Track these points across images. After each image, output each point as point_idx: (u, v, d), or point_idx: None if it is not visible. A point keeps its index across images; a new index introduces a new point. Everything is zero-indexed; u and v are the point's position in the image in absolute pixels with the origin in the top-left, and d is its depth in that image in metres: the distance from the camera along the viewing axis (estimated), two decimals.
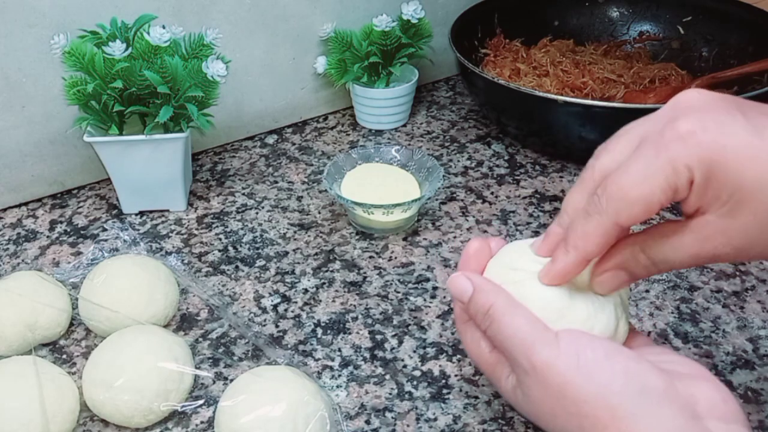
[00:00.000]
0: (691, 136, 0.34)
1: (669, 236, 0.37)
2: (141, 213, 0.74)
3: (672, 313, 0.60)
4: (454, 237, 0.69)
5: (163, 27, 0.64)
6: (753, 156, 0.34)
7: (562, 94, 0.79)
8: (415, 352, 0.57)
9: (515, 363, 0.39)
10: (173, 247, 0.69)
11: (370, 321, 0.60)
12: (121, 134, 0.68)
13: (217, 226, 0.72)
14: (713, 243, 0.36)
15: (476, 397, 0.53)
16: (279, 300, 0.63)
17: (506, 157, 0.81)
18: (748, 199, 0.34)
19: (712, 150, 0.34)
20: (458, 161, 0.81)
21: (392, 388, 0.54)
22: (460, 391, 0.54)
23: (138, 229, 0.71)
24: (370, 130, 0.87)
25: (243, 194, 0.76)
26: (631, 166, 0.36)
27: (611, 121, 0.77)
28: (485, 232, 0.70)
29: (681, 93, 0.37)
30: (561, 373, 0.36)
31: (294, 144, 0.85)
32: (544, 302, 0.40)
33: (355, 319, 0.60)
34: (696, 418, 0.35)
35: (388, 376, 0.55)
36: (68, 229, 0.72)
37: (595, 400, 0.35)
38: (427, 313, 0.61)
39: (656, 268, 0.38)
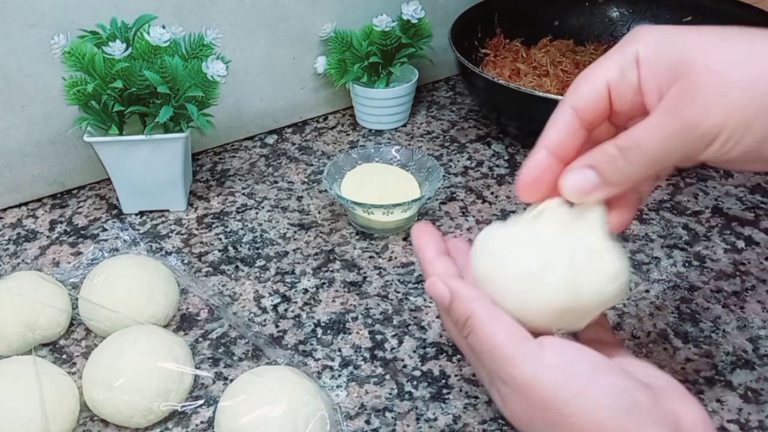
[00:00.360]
0: (645, 31, 0.36)
1: (636, 120, 0.36)
2: (141, 213, 0.74)
3: (672, 313, 0.60)
4: (454, 237, 0.69)
5: (163, 27, 0.64)
6: (700, 36, 0.35)
7: (562, 94, 0.79)
8: (415, 352, 0.57)
9: (494, 374, 0.38)
10: (173, 247, 0.69)
11: (370, 321, 0.60)
12: (121, 134, 0.68)
13: (217, 226, 0.72)
14: (679, 110, 0.34)
15: (476, 397, 0.53)
16: (279, 300, 0.63)
17: (506, 157, 0.81)
18: (701, 59, 0.34)
19: (659, 32, 0.36)
20: (458, 161, 0.81)
21: (392, 388, 0.54)
22: (460, 391, 0.54)
23: (138, 229, 0.71)
24: (370, 130, 0.87)
25: (243, 194, 0.76)
26: (596, 62, 0.38)
27: None
28: None
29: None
30: (546, 388, 0.35)
31: (294, 144, 0.85)
32: (532, 251, 0.38)
33: (355, 319, 0.60)
34: None
35: (388, 376, 0.55)
36: (68, 229, 0.72)
37: (583, 414, 0.34)
38: (427, 313, 0.61)
39: (626, 161, 0.36)
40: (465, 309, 0.38)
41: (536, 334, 0.37)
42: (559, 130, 0.38)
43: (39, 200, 0.76)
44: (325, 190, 0.76)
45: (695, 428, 0.35)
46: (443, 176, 0.71)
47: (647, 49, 0.36)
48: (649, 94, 0.36)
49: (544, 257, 0.38)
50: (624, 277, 0.38)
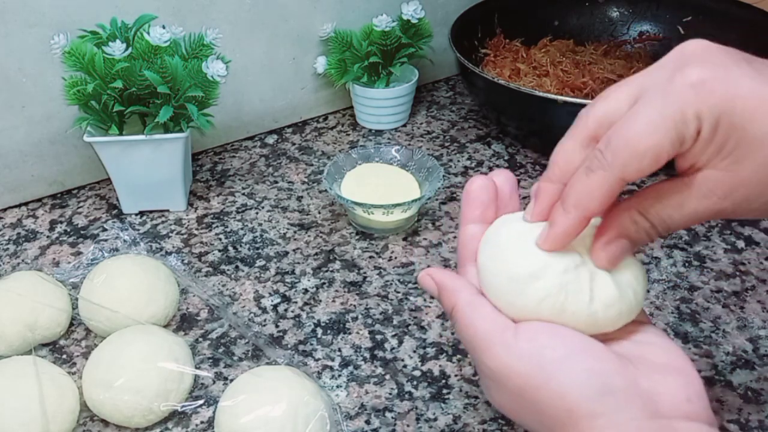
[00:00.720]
0: (702, 84, 0.33)
1: (668, 195, 0.35)
2: (141, 213, 0.74)
3: (672, 313, 0.60)
4: (454, 237, 0.69)
5: (163, 27, 0.64)
6: (760, 105, 0.32)
7: (562, 94, 0.79)
8: (415, 352, 0.57)
9: (476, 363, 0.39)
10: (173, 247, 0.69)
11: (370, 321, 0.60)
12: (121, 134, 0.68)
13: (217, 226, 0.72)
14: (714, 198, 0.34)
15: (476, 397, 0.53)
16: (279, 300, 0.63)
17: (506, 157, 0.81)
18: (753, 149, 0.33)
19: (722, 99, 0.32)
20: (458, 161, 0.81)
21: (392, 388, 0.54)
22: (460, 391, 0.54)
23: (138, 229, 0.71)
24: (370, 130, 0.87)
25: (243, 194, 0.76)
26: (639, 115, 0.33)
27: None
28: None
29: (685, 43, 0.35)
30: (519, 376, 0.35)
31: (294, 144, 0.85)
32: (522, 272, 0.37)
33: (355, 319, 0.60)
34: (657, 417, 0.34)
35: (388, 376, 0.55)
36: (68, 229, 0.72)
37: (552, 401, 0.35)
38: (427, 313, 0.61)
39: (656, 231, 0.36)
40: (449, 300, 0.39)
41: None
42: (604, 203, 0.35)
43: (39, 200, 0.76)
44: (325, 190, 0.76)
45: (677, 406, 0.35)
46: (443, 176, 0.70)
47: (709, 126, 0.33)
48: (687, 159, 0.34)
49: (543, 262, 0.37)
50: (619, 306, 0.37)
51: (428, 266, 0.65)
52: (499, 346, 0.36)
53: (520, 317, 0.38)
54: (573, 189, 0.36)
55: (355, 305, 0.62)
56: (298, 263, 0.67)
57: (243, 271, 0.66)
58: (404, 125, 0.88)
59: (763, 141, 0.33)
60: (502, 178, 0.43)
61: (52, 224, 0.73)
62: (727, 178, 0.34)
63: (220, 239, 0.70)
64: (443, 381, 0.54)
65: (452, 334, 0.58)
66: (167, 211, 0.74)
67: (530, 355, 0.35)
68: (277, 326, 0.60)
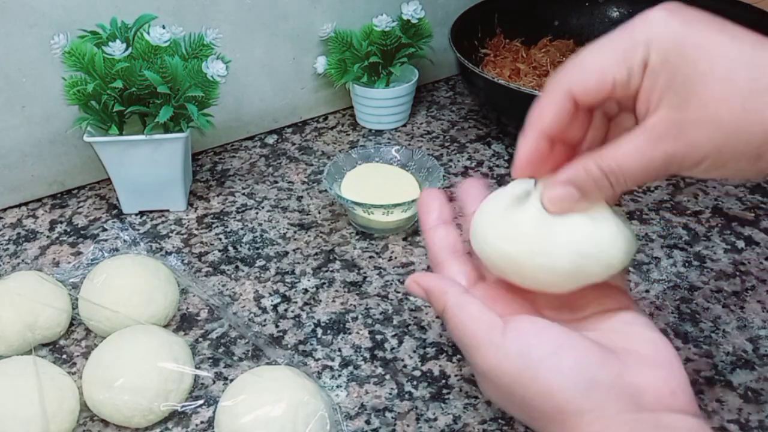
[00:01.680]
0: (657, 19, 0.34)
1: (623, 143, 0.36)
2: (141, 213, 0.74)
3: (672, 313, 0.60)
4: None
5: (163, 27, 0.64)
6: (712, 48, 0.33)
7: None
8: (415, 352, 0.57)
9: (469, 361, 0.39)
10: (173, 247, 0.69)
11: (370, 321, 0.60)
12: (121, 134, 0.68)
13: (217, 226, 0.72)
14: (664, 142, 0.34)
15: (476, 397, 0.53)
16: (279, 300, 0.63)
17: (506, 157, 0.81)
18: (701, 87, 0.33)
19: (673, 34, 0.34)
20: (458, 161, 0.81)
21: (392, 388, 0.54)
22: (460, 391, 0.54)
23: (138, 229, 0.71)
24: (370, 130, 0.87)
25: (243, 194, 0.76)
26: (594, 43, 0.36)
27: None
28: None
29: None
30: (507, 374, 0.36)
31: (294, 144, 0.85)
32: (527, 228, 0.39)
33: (355, 319, 0.60)
34: (642, 411, 0.35)
35: (388, 376, 0.55)
36: (68, 229, 0.72)
37: (541, 398, 0.35)
38: (427, 313, 0.61)
39: (608, 182, 0.36)
40: (439, 302, 0.40)
41: (522, 290, 0.40)
42: (555, 113, 0.37)
43: (39, 200, 0.76)
44: (325, 190, 0.76)
45: (661, 399, 0.35)
46: (443, 176, 0.70)
47: (657, 57, 0.34)
48: (642, 102, 0.35)
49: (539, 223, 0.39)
50: (622, 247, 0.38)
51: (428, 267, 0.65)
52: (487, 345, 0.37)
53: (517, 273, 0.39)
54: (529, 114, 0.39)
55: (355, 305, 0.62)
56: (298, 263, 0.67)
57: (243, 271, 0.66)
58: (404, 125, 0.88)
59: (709, 78, 0.33)
60: (467, 186, 0.46)
61: (52, 224, 0.73)
62: (678, 117, 0.34)
63: (220, 239, 0.70)
64: (443, 381, 0.54)
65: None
66: (167, 211, 0.74)
67: (517, 354, 0.36)
68: (277, 326, 0.60)
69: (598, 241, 0.38)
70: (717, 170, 0.35)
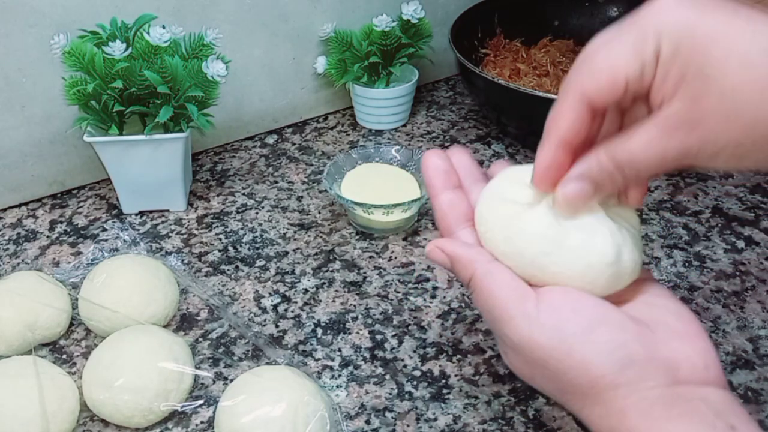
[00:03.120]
0: (666, 7, 0.33)
1: (636, 134, 0.34)
2: (141, 213, 0.74)
3: None
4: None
5: (163, 27, 0.64)
6: (725, 34, 0.32)
7: None
8: (415, 352, 0.57)
9: (495, 332, 0.39)
10: (173, 247, 0.69)
11: (370, 321, 0.60)
12: (121, 134, 0.68)
13: (217, 226, 0.72)
14: (679, 134, 0.33)
15: (476, 397, 0.53)
16: (279, 300, 0.63)
17: (506, 157, 0.81)
18: (715, 78, 0.32)
19: (684, 21, 0.32)
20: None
21: (392, 388, 0.54)
22: (460, 391, 0.54)
23: (138, 229, 0.71)
24: (370, 130, 0.87)
25: (243, 194, 0.76)
26: (602, 37, 0.35)
27: None
28: None
29: None
30: (541, 347, 0.36)
31: (294, 144, 0.85)
32: (538, 235, 0.38)
33: (355, 319, 0.60)
34: (677, 384, 0.35)
35: (388, 376, 0.55)
36: (68, 229, 0.72)
37: (576, 372, 0.35)
38: (427, 313, 0.61)
39: (622, 174, 0.35)
40: (466, 271, 0.39)
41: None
42: (572, 120, 0.36)
43: (39, 200, 0.76)
44: (325, 190, 0.76)
45: (695, 373, 0.35)
46: None
47: (669, 48, 0.33)
48: (656, 93, 0.34)
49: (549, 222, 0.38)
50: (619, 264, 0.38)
51: (428, 266, 0.65)
52: (520, 317, 0.36)
53: (537, 279, 0.38)
54: (546, 122, 0.37)
55: (355, 305, 0.62)
56: (298, 263, 0.67)
57: (243, 271, 0.66)
58: (404, 125, 0.88)
59: (724, 66, 0.31)
60: (458, 154, 0.45)
61: (52, 224, 0.73)
62: (692, 110, 0.33)
63: (220, 239, 0.70)
64: (443, 381, 0.54)
65: (452, 334, 0.58)
66: (167, 211, 0.74)
67: (552, 327, 0.36)
68: (277, 326, 0.60)
69: (615, 251, 0.38)
70: (736, 162, 0.33)
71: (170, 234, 0.71)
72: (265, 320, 0.61)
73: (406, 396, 0.53)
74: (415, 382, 0.54)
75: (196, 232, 0.71)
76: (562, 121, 0.36)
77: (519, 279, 0.38)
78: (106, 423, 0.52)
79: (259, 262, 0.67)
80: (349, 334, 0.59)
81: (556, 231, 0.38)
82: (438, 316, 0.60)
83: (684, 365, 0.35)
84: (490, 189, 0.42)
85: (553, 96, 0.72)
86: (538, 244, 0.38)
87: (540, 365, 0.36)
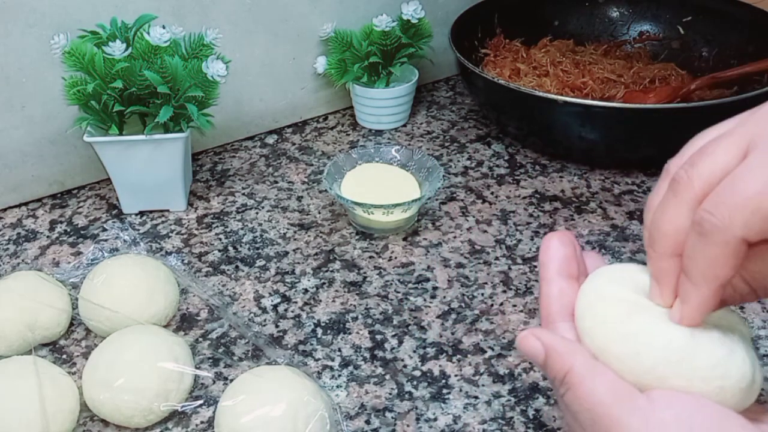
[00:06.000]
0: None
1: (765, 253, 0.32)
2: (141, 213, 0.74)
3: None
4: (454, 237, 0.69)
5: (163, 27, 0.64)
6: None
7: (562, 94, 0.79)
8: (415, 352, 0.57)
9: None
10: (173, 247, 0.69)
11: (370, 321, 0.60)
12: (121, 134, 0.68)
13: (217, 226, 0.72)
14: None
15: (476, 397, 0.53)
16: (279, 300, 0.63)
17: (506, 157, 0.81)
18: None
19: None
20: (458, 161, 0.81)
21: (392, 388, 0.54)
22: (460, 391, 0.54)
23: (138, 229, 0.71)
24: (370, 130, 0.87)
25: (243, 194, 0.76)
26: (756, 170, 0.30)
27: (611, 121, 0.77)
28: (485, 232, 0.70)
29: None
30: None
31: (294, 144, 0.85)
32: (664, 340, 0.34)
33: (355, 319, 0.60)
34: None
35: (388, 376, 0.55)
36: (68, 229, 0.72)
37: None
38: (427, 313, 0.61)
39: (755, 295, 0.34)
40: (562, 365, 0.35)
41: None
42: (732, 266, 0.32)
43: (39, 200, 0.76)
44: (325, 190, 0.76)
45: None
46: (443, 176, 0.71)
47: None
48: None
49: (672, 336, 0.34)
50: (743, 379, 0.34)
51: (428, 266, 0.65)
52: (627, 414, 0.32)
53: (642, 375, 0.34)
54: (694, 261, 0.32)
55: (355, 305, 0.62)
56: (298, 263, 0.67)
57: (243, 271, 0.66)
58: (404, 125, 0.88)
59: None
60: (562, 241, 0.40)
61: (52, 224, 0.73)
62: None
63: (220, 239, 0.70)
64: (443, 381, 0.54)
65: (452, 334, 0.58)
66: (167, 211, 0.74)
67: (672, 422, 0.32)
68: (277, 326, 0.60)
69: (752, 372, 0.34)
70: None
71: (170, 234, 0.71)
72: (265, 320, 0.61)
73: (406, 396, 0.53)
74: (415, 382, 0.54)
75: (196, 232, 0.71)
76: (724, 269, 0.32)
77: (624, 382, 0.33)
78: (106, 423, 0.52)
79: (259, 262, 0.67)
80: (349, 334, 0.59)
81: (686, 341, 0.34)
82: (438, 316, 0.60)
83: None
84: (592, 285, 0.38)
85: (553, 96, 0.72)
86: (664, 350, 0.34)
87: None
